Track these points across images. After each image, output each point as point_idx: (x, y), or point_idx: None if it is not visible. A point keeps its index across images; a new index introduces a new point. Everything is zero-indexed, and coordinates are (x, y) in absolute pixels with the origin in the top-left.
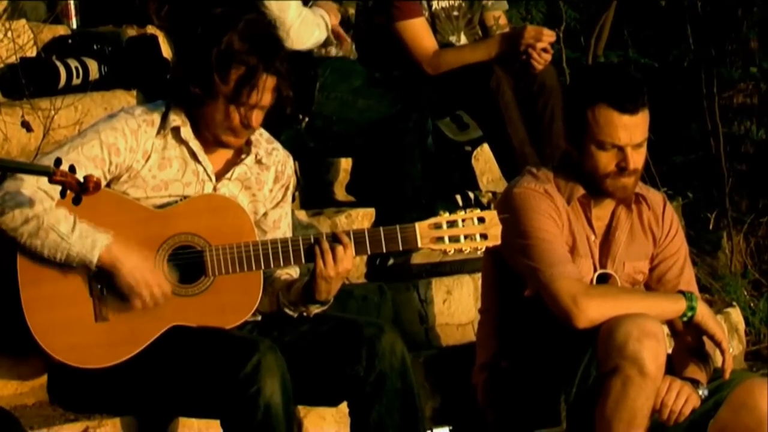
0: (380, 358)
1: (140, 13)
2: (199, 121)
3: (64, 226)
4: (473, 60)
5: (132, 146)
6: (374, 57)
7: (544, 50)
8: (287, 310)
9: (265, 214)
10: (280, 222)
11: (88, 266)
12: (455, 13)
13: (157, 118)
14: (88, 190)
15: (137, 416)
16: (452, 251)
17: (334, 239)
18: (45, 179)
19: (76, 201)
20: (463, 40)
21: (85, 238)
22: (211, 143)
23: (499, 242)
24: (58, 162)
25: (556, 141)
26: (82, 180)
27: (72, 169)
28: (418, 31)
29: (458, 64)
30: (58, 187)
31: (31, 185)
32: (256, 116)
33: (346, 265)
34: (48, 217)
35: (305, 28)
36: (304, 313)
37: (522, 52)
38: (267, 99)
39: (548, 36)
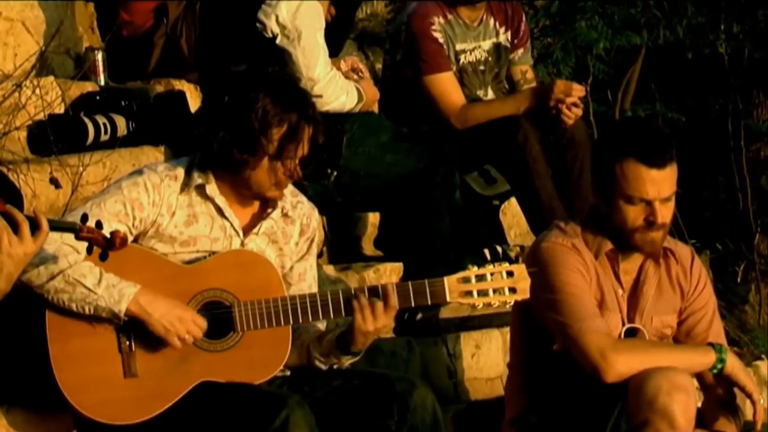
0: (412, 413)
1: (183, 62)
2: (238, 182)
3: (90, 279)
4: (502, 114)
5: (155, 200)
6: (402, 111)
7: (574, 105)
8: (317, 363)
9: (291, 268)
10: (306, 275)
11: (117, 318)
12: (482, 67)
13: (180, 173)
14: (115, 246)
15: None
16: (481, 305)
17: (373, 294)
18: (71, 235)
19: (103, 257)
20: (491, 94)
21: (112, 290)
22: (238, 199)
23: (528, 296)
24: (84, 218)
25: (585, 195)
26: (108, 236)
27: (99, 225)
28: (446, 85)
29: (486, 119)
30: (85, 244)
31: (56, 241)
32: (298, 166)
33: (385, 321)
34: (73, 271)
35: (332, 90)
36: (335, 365)
37: (552, 107)
38: (308, 148)
39: (578, 91)
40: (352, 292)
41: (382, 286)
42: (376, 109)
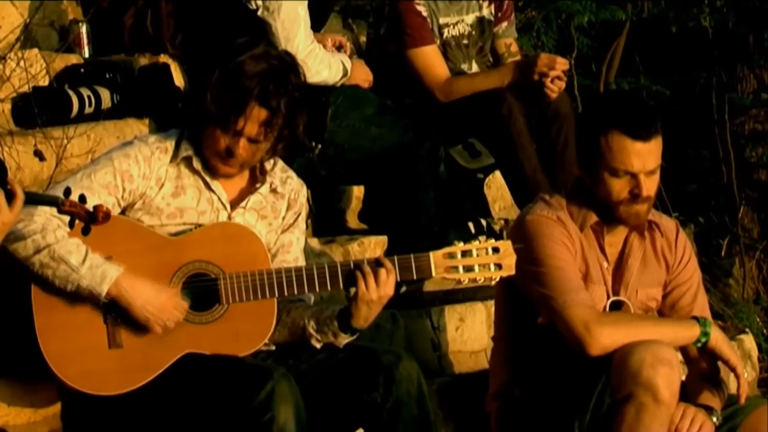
0: (397, 385)
1: (152, 43)
2: (199, 146)
3: (75, 257)
4: (486, 87)
5: (145, 173)
6: (386, 85)
7: (558, 78)
8: (314, 341)
9: (276, 240)
10: (291, 247)
11: (97, 299)
12: (465, 41)
13: (170, 146)
14: (98, 220)
15: None
16: (466, 281)
17: (377, 264)
18: (54, 209)
19: (85, 231)
20: (475, 67)
21: (96, 270)
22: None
23: (513, 272)
24: (67, 192)
25: (569, 168)
26: (91, 210)
27: (82, 198)
28: (430, 59)
29: (470, 92)
30: (67, 218)
31: (45, 213)
32: (243, 146)
33: (388, 290)
34: (59, 247)
35: (311, 63)
36: (334, 343)
37: (535, 80)
38: (252, 130)
39: (561, 64)
40: (336, 265)
41: (376, 257)
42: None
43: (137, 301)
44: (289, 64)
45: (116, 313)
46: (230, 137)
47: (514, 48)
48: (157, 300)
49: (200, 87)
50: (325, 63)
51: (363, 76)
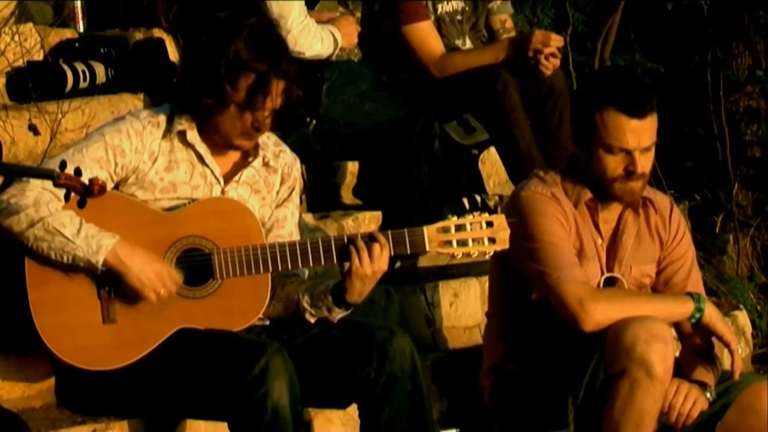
0: (391, 361)
1: (147, 17)
2: (209, 127)
3: (69, 228)
4: (480, 63)
5: (137, 147)
6: (381, 60)
7: (552, 55)
8: (308, 316)
9: (270, 214)
10: (285, 221)
11: (94, 268)
12: (459, 17)
13: (162, 120)
14: (93, 193)
15: (145, 418)
16: (460, 255)
17: (371, 238)
18: (50, 182)
19: (81, 204)
20: (469, 44)
21: (91, 240)
22: (218, 146)
23: (507, 246)
24: (62, 165)
25: (564, 144)
26: (87, 183)
27: (77, 172)
28: (425, 35)
29: (465, 68)
30: (63, 191)
31: (37, 187)
32: (268, 119)
33: (382, 265)
34: (53, 220)
35: (305, 37)
36: (328, 318)
37: (530, 57)
38: (279, 103)
39: (556, 41)
40: (330, 239)
41: (370, 232)
42: (355, 39)
43: (133, 268)
44: (268, 26)
45: (111, 282)
46: (259, 114)
47: (509, 24)
48: (152, 268)
49: (210, 79)
50: (317, 37)
51: (348, 31)
